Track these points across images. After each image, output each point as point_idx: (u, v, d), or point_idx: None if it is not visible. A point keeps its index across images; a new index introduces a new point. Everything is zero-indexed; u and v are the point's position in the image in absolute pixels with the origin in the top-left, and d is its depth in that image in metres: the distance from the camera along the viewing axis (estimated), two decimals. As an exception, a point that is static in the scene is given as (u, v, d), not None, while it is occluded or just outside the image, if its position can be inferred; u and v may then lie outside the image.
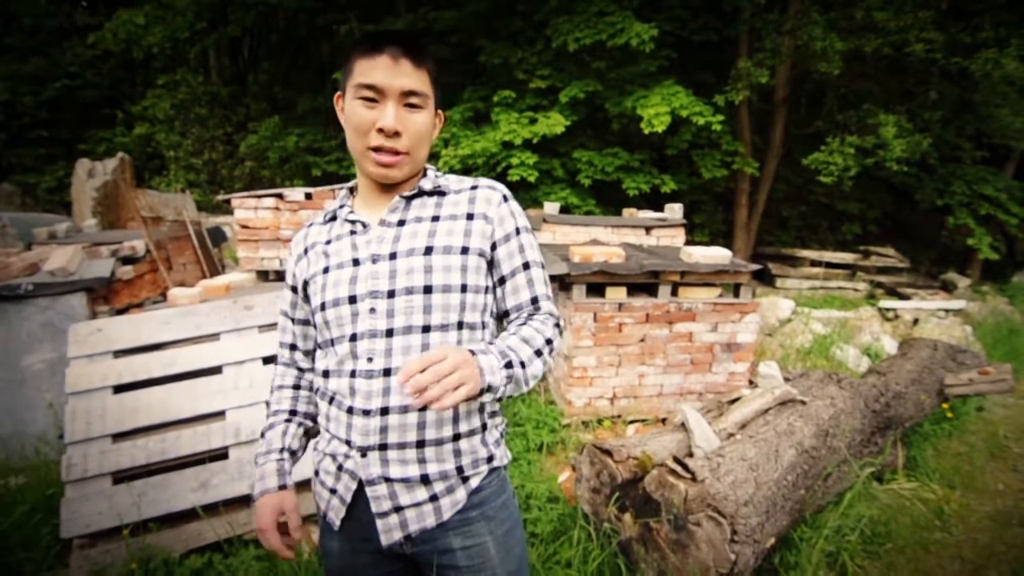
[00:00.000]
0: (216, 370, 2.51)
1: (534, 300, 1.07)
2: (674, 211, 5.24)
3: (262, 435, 1.14)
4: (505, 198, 1.07)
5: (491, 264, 1.05)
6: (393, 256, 0.99)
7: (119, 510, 2.18)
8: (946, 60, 6.85)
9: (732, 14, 7.72)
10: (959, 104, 8.17)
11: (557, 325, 1.06)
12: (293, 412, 1.15)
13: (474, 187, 1.07)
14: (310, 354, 1.17)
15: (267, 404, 1.11)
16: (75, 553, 2.14)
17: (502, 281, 1.07)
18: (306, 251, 1.09)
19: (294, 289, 1.12)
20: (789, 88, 7.97)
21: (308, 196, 4.29)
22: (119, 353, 2.49)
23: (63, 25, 11.90)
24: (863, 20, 6.71)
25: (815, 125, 8.13)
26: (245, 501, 2.33)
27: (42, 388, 3.37)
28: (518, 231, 1.06)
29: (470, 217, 1.03)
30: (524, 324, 1.05)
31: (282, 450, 1.10)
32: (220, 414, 2.43)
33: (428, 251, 0.99)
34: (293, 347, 1.17)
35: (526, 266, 1.07)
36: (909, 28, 6.57)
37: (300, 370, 1.18)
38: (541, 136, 6.89)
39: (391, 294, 0.97)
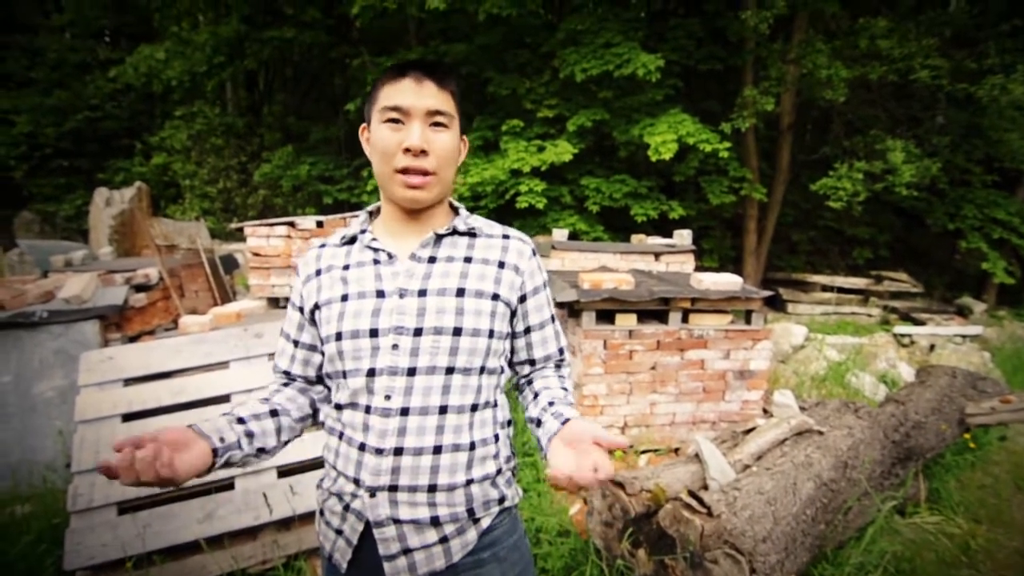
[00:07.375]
0: (225, 399, 2.50)
1: (560, 351, 1.16)
2: (683, 237, 5.23)
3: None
4: (533, 252, 1.10)
5: (513, 314, 1.07)
6: (423, 293, 0.97)
7: (123, 541, 2.14)
8: (952, 86, 6.89)
9: (737, 44, 7.85)
10: (967, 129, 8.18)
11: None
12: (273, 412, 1.03)
13: (506, 236, 1.08)
14: (309, 381, 1.10)
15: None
16: (78, 586, 2.10)
17: (527, 331, 1.11)
18: (318, 272, 1.04)
19: (302, 310, 1.06)
20: (795, 115, 8.04)
21: (319, 224, 4.35)
22: (129, 381, 2.49)
23: (86, 60, 12.33)
24: (867, 48, 6.79)
25: (822, 151, 8.16)
26: (251, 533, 2.29)
27: (52, 416, 3.37)
28: (544, 285, 1.12)
29: (501, 265, 1.04)
30: (564, 387, 1.12)
31: (240, 420, 0.96)
32: (228, 443, 2.41)
33: (460, 293, 0.98)
34: (287, 373, 1.09)
35: (552, 319, 1.14)
36: (913, 56, 6.64)
37: (287, 390, 1.08)
38: (549, 164, 6.98)
39: (418, 332, 0.95)
